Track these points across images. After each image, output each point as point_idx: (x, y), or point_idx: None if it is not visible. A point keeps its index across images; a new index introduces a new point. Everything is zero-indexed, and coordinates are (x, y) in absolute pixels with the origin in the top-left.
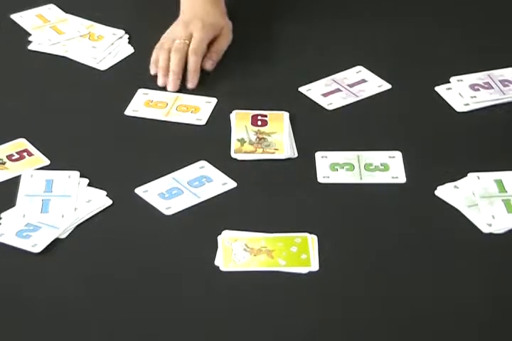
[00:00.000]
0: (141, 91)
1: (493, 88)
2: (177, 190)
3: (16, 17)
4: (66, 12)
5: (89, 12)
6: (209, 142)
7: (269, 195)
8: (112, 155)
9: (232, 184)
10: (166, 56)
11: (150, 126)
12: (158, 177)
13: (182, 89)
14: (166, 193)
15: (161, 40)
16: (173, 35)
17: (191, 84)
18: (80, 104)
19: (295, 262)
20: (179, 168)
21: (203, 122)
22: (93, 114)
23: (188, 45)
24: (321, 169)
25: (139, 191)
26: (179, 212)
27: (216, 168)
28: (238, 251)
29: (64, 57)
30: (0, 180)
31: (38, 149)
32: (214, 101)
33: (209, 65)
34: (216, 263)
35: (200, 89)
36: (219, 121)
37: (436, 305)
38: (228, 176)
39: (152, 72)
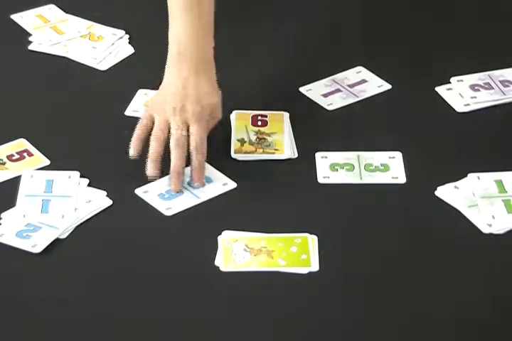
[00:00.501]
0: (141, 92)
1: (493, 88)
2: None
3: (16, 17)
4: (66, 12)
5: (89, 12)
6: (209, 142)
7: (269, 196)
8: (112, 155)
9: (232, 184)
10: (158, 143)
11: None
12: (158, 178)
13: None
14: (166, 194)
15: (151, 110)
16: (164, 114)
17: (200, 183)
18: (80, 104)
19: (295, 262)
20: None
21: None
22: (93, 114)
23: (187, 137)
24: (321, 169)
25: (139, 192)
26: (179, 212)
27: (216, 168)
28: (238, 252)
29: (64, 58)
30: (0, 180)
31: (38, 149)
32: None
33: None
34: (216, 263)
35: None
36: (219, 121)
37: (436, 305)
38: (228, 176)
39: (131, 152)
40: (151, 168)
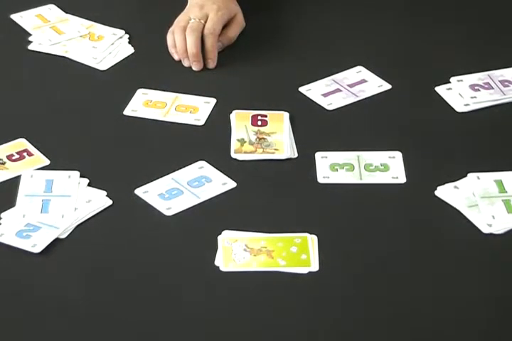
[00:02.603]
0: (140, 91)
1: (493, 88)
2: (177, 191)
3: (16, 17)
4: (66, 12)
5: (89, 12)
6: (209, 142)
7: (269, 195)
8: (112, 155)
9: (231, 184)
10: (181, 37)
11: (149, 126)
12: (158, 178)
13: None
14: (166, 194)
15: (176, 20)
16: (187, 16)
17: (212, 63)
18: (80, 104)
19: (295, 262)
20: (179, 169)
21: (201, 122)
22: (93, 114)
23: (203, 25)
24: (321, 169)
25: (139, 192)
26: (179, 212)
27: (216, 168)
28: (238, 251)
29: (64, 57)
30: (0, 180)
31: (38, 149)
32: (213, 101)
33: (218, 48)
34: (216, 263)
35: (200, 89)
36: (219, 121)
37: (436, 305)
38: (228, 176)
39: (175, 57)
40: (184, 60)
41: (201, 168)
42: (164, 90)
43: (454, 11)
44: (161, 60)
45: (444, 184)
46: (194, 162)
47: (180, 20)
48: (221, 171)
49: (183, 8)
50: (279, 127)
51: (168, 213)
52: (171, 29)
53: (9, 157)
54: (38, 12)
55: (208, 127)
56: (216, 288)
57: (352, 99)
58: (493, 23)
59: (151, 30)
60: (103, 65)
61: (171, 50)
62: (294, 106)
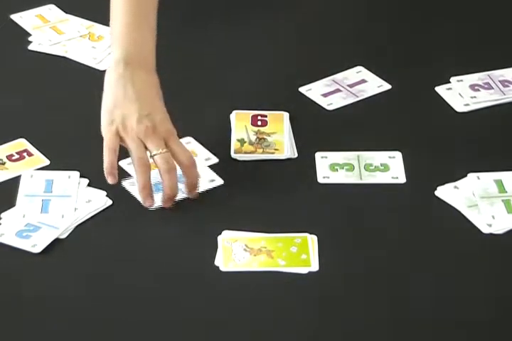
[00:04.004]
0: None
1: (493, 88)
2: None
3: (15, 17)
4: (66, 12)
5: (89, 12)
6: (209, 142)
7: (269, 195)
8: None
9: (219, 181)
10: (147, 176)
11: None
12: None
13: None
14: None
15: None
16: (135, 133)
17: (194, 195)
18: (80, 104)
19: (295, 262)
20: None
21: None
22: (93, 114)
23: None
24: (321, 169)
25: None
26: (179, 212)
27: (216, 167)
28: (238, 252)
29: (64, 58)
30: (0, 180)
31: (38, 149)
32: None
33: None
34: (216, 263)
35: (200, 89)
36: (219, 121)
37: (437, 305)
38: (228, 176)
39: (148, 203)
40: (147, 200)
41: None
42: None
43: (454, 11)
44: (161, 59)
45: (444, 184)
46: None
47: (139, 156)
48: (221, 171)
49: (179, 9)
50: (279, 127)
51: (168, 213)
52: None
53: (9, 157)
54: (38, 12)
55: (208, 127)
56: (216, 288)
57: (352, 99)
58: (493, 23)
59: None
60: (103, 65)
61: (142, 191)
62: (294, 106)
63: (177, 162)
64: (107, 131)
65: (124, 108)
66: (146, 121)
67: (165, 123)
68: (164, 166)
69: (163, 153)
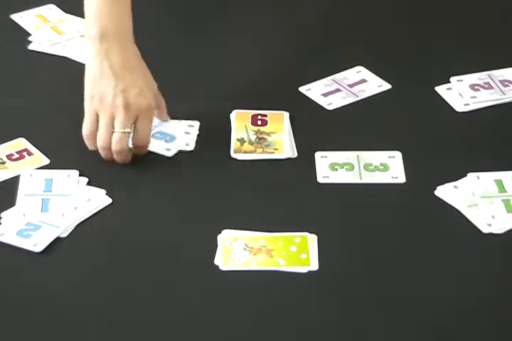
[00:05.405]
0: None
1: (493, 88)
2: None
3: (15, 17)
4: (66, 12)
5: None
6: (209, 142)
7: (268, 195)
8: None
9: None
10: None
11: None
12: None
13: None
14: None
15: (94, 104)
16: (110, 109)
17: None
18: (80, 103)
19: (295, 261)
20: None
21: (196, 128)
22: None
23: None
24: (321, 169)
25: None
26: (179, 212)
27: (216, 167)
28: (238, 251)
29: (64, 57)
30: (0, 179)
31: (38, 149)
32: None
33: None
34: (216, 262)
35: (200, 89)
36: (219, 121)
37: (437, 305)
38: (228, 176)
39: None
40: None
41: None
42: None
43: (454, 11)
44: (161, 59)
45: (444, 184)
46: (194, 162)
47: (103, 128)
48: (221, 171)
49: (180, 9)
50: (278, 127)
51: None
52: (88, 118)
53: (9, 156)
54: (38, 12)
55: (208, 127)
56: (216, 287)
57: (352, 99)
58: (493, 23)
59: (150, 30)
60: None
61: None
62: (294, 106)
63: (133, 140)
64: (88, 106)
65: (101, 85)
66: (120, 99)
67: (140, 98)
68: (114, 146)
69: (121, 132)
